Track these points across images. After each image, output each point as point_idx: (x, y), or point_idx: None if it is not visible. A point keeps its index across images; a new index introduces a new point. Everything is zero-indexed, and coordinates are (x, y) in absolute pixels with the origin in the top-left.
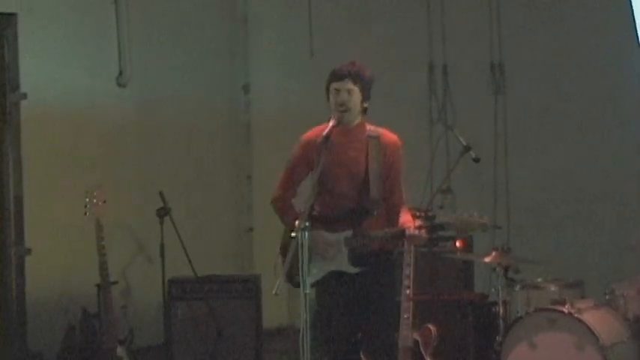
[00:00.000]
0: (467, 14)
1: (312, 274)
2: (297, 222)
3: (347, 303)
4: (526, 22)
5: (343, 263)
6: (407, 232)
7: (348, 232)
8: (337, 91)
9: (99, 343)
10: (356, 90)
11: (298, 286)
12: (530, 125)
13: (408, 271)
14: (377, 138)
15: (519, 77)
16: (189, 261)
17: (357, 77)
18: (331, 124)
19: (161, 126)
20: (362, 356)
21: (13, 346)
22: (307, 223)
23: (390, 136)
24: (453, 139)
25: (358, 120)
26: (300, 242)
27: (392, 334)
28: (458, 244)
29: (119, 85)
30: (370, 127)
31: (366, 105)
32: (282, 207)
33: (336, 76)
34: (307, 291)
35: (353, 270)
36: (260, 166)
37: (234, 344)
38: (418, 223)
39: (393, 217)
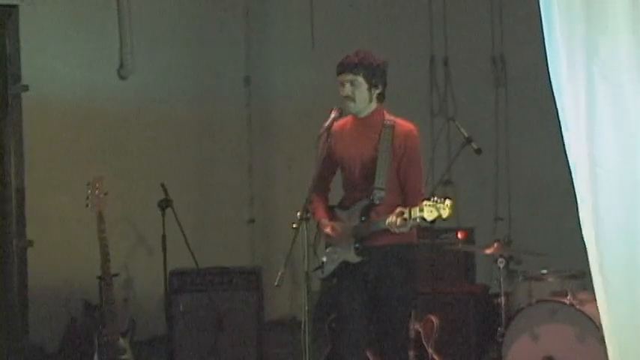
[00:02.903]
0: (468, 7)
1: (327, 265)
2: (297, 213)
3: (358, 295)
4: (527, 15)
5: (349, 254)
6: (385, 222)
7: (357, 223)
8: (341, 83)
9: (100, 335)
10: (359, 80)
11: (321, 279)
12: (531, 117)
13: None
14: (391, 127)
15: (520, 70)
16: (191, 253)
17: (358, 67)
18: (332, 116)
19: (162, 118)
20: (368, 355)
21: (14, 338)
22: (308, 214)
23: (404, 125)
24: (454, 131)
25: (372, 108)
26: (302, 232)
27: (404, 329)
28: (459, 235)
29: (121, 77)
30: (388, 117)
31: (377, 92)
32: (312, 199)
33: (338, 68)
34: (309, 283)
35: (355, 260)
36: (261, 158)
37: (235, 336)
38: (399, 209)
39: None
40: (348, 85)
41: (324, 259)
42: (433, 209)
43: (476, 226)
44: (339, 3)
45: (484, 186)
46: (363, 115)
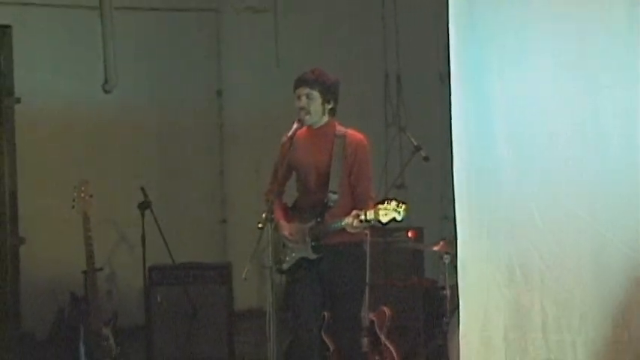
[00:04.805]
0: (418, 29)
1: (285, 261)
2: (263, 215)
3: (313, 288)
4: None
5: (307, 251)
6: (342, 223)
7: (312, 223)
8: (298, 96)
9: (86, 324)
10: (315, 94)
11: (280, 272)
12: None
13: None
14: (343, 137)
15: None
16: (168, 249)
17: (315, 83)
18: (295, 126)
19: (142, 127)
20: (323, 337)
21: (7, 327)
22: (272, 215)
23: (355, 135)
24: (406, 140)
25: (324, 121)
26: (267, 232)
27: (356, 317)
28: (410, 234)
29: (105, 91)
30: (339, 128)
31: (330, 106)
32: (269, 200)
33: (296, 83)
34: (273, 277)
35: (313, 256)
36: (231, 163)
37: (208, 325)
38: (355, 212)
39: (360, 210)
40: (304, 98)
41: (282, 256)
42: (388, 212)
43: (425, 225)
44: (301, 25)
45: (432, 189)
46: (316, 126)
